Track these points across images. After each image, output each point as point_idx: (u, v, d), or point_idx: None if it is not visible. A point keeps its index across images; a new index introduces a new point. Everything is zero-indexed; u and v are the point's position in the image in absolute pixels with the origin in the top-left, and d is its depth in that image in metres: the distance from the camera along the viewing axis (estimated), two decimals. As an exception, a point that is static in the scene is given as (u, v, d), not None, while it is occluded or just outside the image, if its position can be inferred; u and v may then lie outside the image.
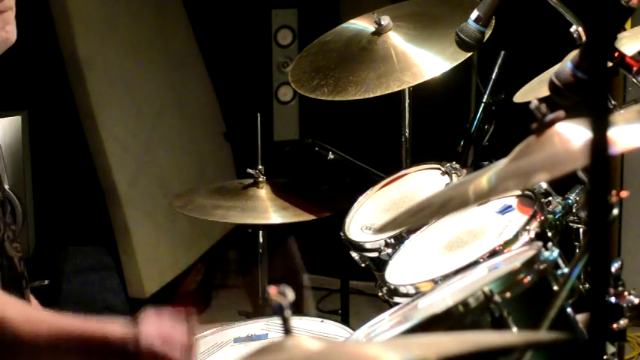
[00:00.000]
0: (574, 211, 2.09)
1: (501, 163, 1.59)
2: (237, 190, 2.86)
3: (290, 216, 2.72)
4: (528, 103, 1.57)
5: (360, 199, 2.49)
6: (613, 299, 1.62)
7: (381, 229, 2.14)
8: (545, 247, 1.66)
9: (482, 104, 3.03)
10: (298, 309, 2.33)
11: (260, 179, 2.83)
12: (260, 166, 2.85)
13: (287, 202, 2.76)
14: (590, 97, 0.97)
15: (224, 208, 2.76)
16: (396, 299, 2.03)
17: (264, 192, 2.82)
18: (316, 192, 2.97)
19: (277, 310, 1.26)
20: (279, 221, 2.72)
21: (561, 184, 2.05)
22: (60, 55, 3.79)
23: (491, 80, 3.03)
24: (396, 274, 2.13)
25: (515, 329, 1.49)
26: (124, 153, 3.95)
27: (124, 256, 3.91)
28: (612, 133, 0.98)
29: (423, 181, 2.49)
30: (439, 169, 2.47)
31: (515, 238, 1.96)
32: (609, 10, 0.98)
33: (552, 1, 2.24)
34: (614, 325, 1.62)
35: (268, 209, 2.75)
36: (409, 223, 2.01)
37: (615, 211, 1.50)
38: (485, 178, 1.55)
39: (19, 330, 1.63)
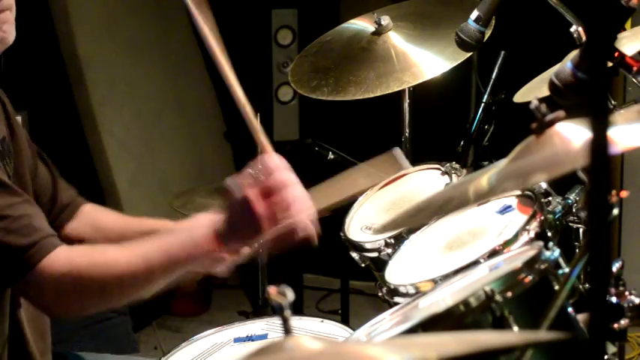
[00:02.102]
0: (574, 211, 2.09)
1: (501, 164, 1.59)
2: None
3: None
4: (528, 103, 1.57)
5: (360, 199, 2.49)
6: (614, 299, 1.62)
7: (381, 230, 2.15)
8: (545, 246, 1.67)
9: (482, 104, 3.03)
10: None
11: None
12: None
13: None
14: (590, 97, 0.97)
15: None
16: (396, 299, 2.03)
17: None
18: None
19: (277, 310, 1.26)
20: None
21: (561, 184, 2.05)
22: (60, 55, 3.79)
23: (492, 80, 3.03)
24: (396, 274, 2.13)
25: (516, 329, 1.49)
26: (124, 153, 3.95)
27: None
28: (612, 133, 0.98)
29: (423, 181, 2.49)
30: (439, 169, 2.47)
31: (515, 238, 1.96)
32: (609, 10, 0.98)
33: (552, 1, 2.24)
34: (615, 325, 1.62)
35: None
36: (409, 223, 2.02)
37: (615, 211, 1.50)
38: (485, 178, 1.55)
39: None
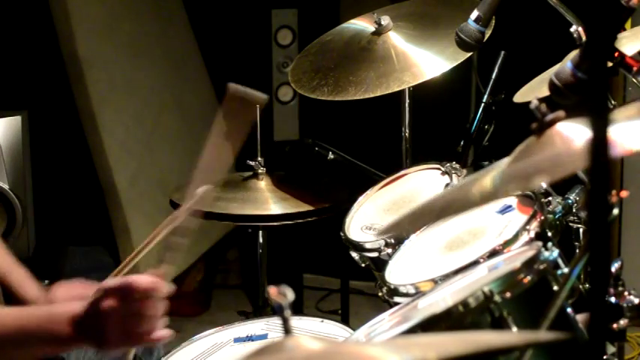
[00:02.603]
0: (574, 211, 2.09)
1: (502, 165, 1.58)
2: (237, 182, 2.86)
3: (290, 207, 2.70)
4: (528, 103, 1.57)
5: (360, 199, 2.49)
6: (613, 299, 1.63)
7: (384, 232, 2.15)
8: (545, 247, 1.67)
9: (482, 104, 3.03)
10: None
11: (260, 171, 2.82)
12: (260, 158, 2.83)
13: (287, 194, 2.75)
14: (590, 97, 0.97)
15: (224, 200, 2.75)
16: (396, 299, 2.03)
17: (263, 184, 2.81)
18: (316, 183, 2.96)
19: (277, 310, 1.26)
20: (279, 212, 2.70)
21: (561, 184, 2.05)
22: (60, 55, 3.79)
23: (491, 80, 3.03)
24: (396, 274, 2.13)
25: (515, 329, 1.49)
26: (124, 153, 3.95)
27: (124, 256, 3.90)
28: (614, 134, 0.98)
29: (423, 181, 2.49)
30: (439, 169, 2.47)
31: (515, 238, 1.96)
32: (609, 10, 0.98)
33: (552, 1, 2.24)
34: (614, 325, 1.62)
35: (268, 200, 2.74)
36: (412, 227, 2.02)
37: (615, 211, 1.50)
38: (488, 179, 1.55)
39: None
